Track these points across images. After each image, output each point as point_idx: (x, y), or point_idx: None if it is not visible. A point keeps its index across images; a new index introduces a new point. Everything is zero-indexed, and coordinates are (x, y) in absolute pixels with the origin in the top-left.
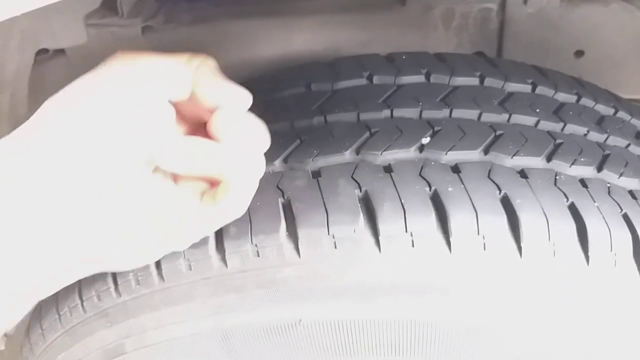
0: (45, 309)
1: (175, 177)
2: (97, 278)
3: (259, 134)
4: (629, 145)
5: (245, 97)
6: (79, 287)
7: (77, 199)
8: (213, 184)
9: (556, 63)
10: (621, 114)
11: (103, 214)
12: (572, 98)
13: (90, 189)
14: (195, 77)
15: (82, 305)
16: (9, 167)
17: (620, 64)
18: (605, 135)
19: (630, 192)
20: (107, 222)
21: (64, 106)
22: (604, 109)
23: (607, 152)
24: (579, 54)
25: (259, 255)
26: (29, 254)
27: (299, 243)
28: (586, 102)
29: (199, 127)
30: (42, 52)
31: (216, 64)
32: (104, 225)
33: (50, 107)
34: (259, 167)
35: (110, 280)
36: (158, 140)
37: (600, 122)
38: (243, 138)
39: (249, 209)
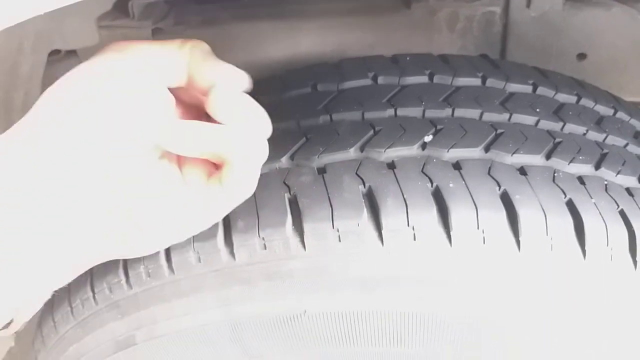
0: (57, 302)
1: (180, 164)
2: (108, 271)
3: (257, 114)
4: (627, 144)
5: (240, 75)
6: (91, 279)
7: (86, 191)
8: (219, 167)
9: (559, 66)
10: (620, 115)
11: (113, 204)
12: (572, 99)
13: (99, 181)
14: (190, 60)
15: (94, 297)
16: (12, 163)
17: (622, 67)
18: (604, 135)
19: (627, 190)
20: (117, 211)
21: (63, 101)
22: (603, 110)
23: (605, 150)
24: (582, 56)
25: (266, 248)
26: (43, 245)
27: (305, 236)
28: (586, 102)
29: (200, 115)
30: (54, 52)
31: (209, 48)
32: (114, 215)
33: (48, 102)
34: (261, 146)
35: (121, 272)
36: (161, 125)
37: (600, 122)
38: (241, 115)
39: (256, 203)
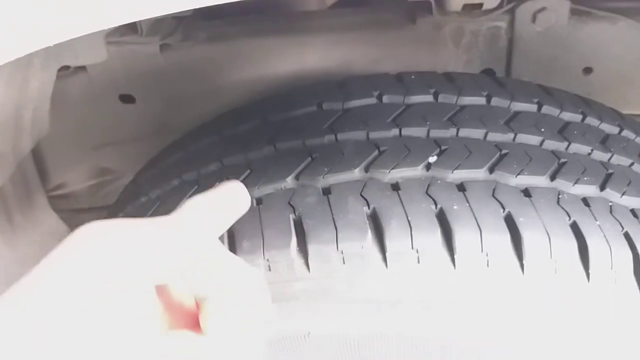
0: None
1: None
2: None
3: (255, 328)
4: (632, 164)
5: (250, 280)
6: None
7: None
8: None
9: (565, 80)
10: (626, 133)
11: None
12: (577, 117)
13: None
14: (185, 254)
15: None
16: None
17: (628, 81)
18: (609, 154)
19: (632, 211)
20: None
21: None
22: (608, 128)
23: (610, 171)
24: (588, 70)
25: (270, 270)
26: None
27: (309, 258)
28: (591, 121)
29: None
30: (63, 68)
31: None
32: None
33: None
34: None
35: None
36: (140, 344)
37: (605, 141)
38: (238, 333)
39: (261, 224)
